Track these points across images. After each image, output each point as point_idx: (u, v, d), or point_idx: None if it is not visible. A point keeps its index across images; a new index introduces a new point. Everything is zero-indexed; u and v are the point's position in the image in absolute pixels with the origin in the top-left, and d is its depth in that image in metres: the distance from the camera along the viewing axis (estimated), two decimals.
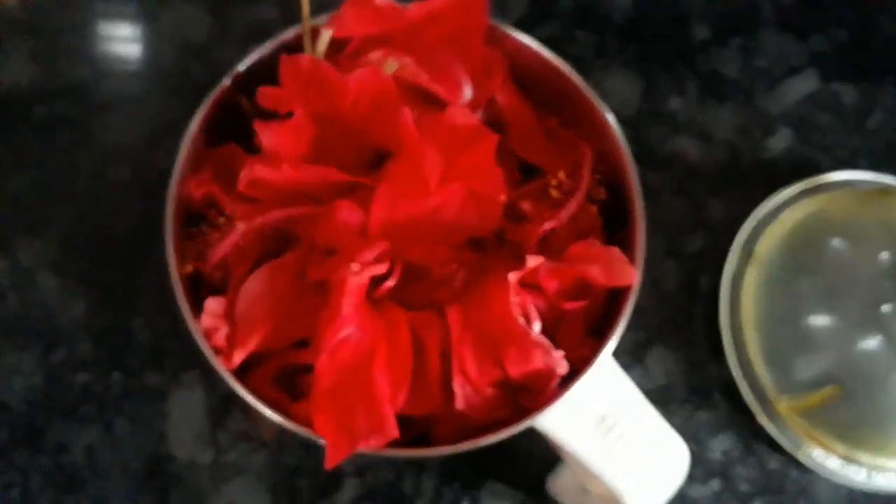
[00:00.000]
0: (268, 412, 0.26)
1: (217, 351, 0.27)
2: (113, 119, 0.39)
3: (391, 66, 0.29)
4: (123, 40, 0.41)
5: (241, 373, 0.27)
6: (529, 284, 0.26)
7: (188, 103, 0.39)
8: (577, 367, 0.26)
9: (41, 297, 0.36)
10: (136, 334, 0.36)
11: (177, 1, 0.41)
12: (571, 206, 0.29)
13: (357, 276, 0.25)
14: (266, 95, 0.28)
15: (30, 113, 0.39)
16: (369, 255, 0.26)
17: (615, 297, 0.28)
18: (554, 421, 0.24)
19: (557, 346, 0.26)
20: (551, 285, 0.26)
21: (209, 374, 0.35)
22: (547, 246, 0.28)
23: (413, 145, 0.26)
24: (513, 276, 0.26)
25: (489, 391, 0.26)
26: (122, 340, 0.36)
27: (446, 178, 0.26)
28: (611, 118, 0.30)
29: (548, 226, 0.28)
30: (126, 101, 0.39)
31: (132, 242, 0.37)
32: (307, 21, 0.30)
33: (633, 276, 0.27)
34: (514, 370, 0.25)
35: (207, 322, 0.27)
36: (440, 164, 0.26)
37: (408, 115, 0.26)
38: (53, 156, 0.38)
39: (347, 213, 0.27)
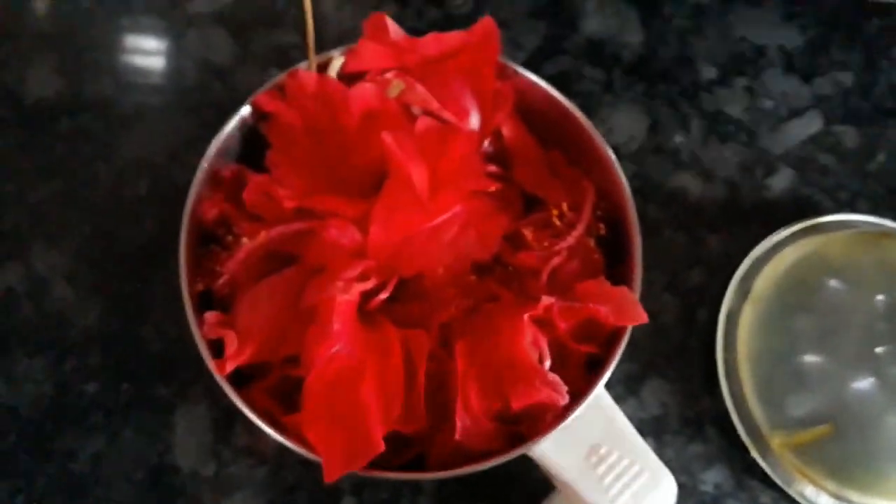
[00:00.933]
0: (264, 427, 0.27)
1: (216, 360, 0.27)
2: (134, 134, 0.40)
3: (397, 87, 0.30)
4: (147, 57, 0.42)
5: (243, 386, 0.28)
6: (540, 320, 0.27)
7: (208, 122, 0.40)
8: (573, 397, 0.26)
9: (55, 306, 0.37)
10: (147, 346, 0.37)
11: (202, 22, 0.42)
12: (572, 238, 0.30)
13: (345, 294, 0.26)
14: (263, 102, 0.29)
15: (55, 125, 0.40)
16: (352, 272, 0.26)
17: (611, 331, 0.29)
18: (548, 450, 0.25)
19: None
20: (563, 324, 0.27)
21: (215, 389, 0.36)
22: (553, 282, 0.29)
23: (398, 162, 0.27)
24: (527, 317, 0.26)
25: (488, 424, 0.26)
26: (133, 351, 0.37)
27: (436, 188, 0.27)
28: (612, 155, 0.31)
29: (554, 262, 0.29)
30: (148, 117, 0.40)
31: (146, 255, 0.38)
32: (311, 42, 0.30)
33: (643, 317, 0.28)
34: (518, 404, 0.26)
35: (210, 333, 0.28)
36: (426, 175, 0.27)
37: (387, 135, 0.27)
38: (75, 168, 0.39)
39: (337, 231, 0.28)
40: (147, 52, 0.42)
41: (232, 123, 0.30)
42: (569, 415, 0.26)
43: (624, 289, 0.29)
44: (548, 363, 0.27)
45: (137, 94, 0.41)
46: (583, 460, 0.25)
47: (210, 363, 0.28)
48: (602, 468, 0.26)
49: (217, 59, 0.42)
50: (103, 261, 0.38)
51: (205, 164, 0.29)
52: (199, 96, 0.41)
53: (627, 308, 0.28)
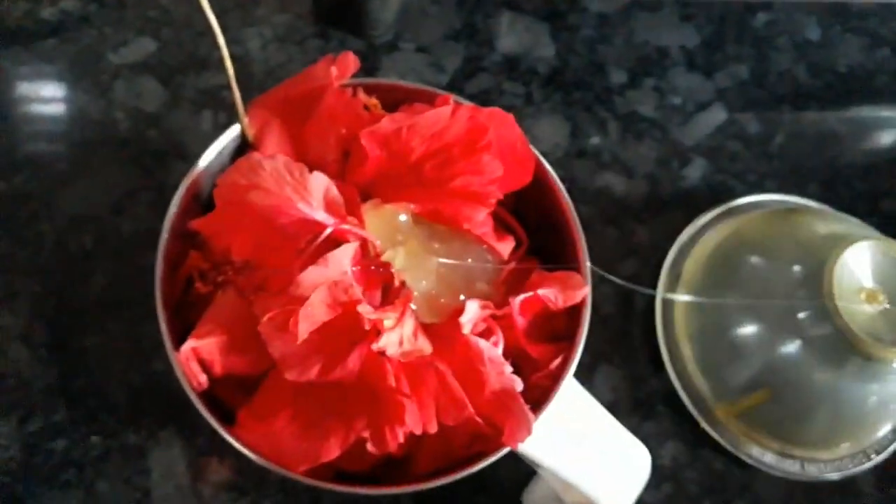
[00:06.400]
0: (250, 454, 0.28)
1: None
2: (73, 190, 0.40)
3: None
4: (79, 113, 0.42)
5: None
6: (497, 317, 0.29)
7: (148, 171, 0.41)
8: (546, 388, 0.28)
9: (13, 369, 0.37)
10: (112, 397, 0.37)
11: (128, 72, 0.43)
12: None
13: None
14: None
15: None
16: None
17: (573, 317, 0.31)
18: (531, 441, 0.26)
19: (522, 370, 0.28)
20: (523, 316, 0.29)
21: (186, 428, 0.37)
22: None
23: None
24: (465, 321, 0.27)
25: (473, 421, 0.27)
26: (99, 404, 0.37)
27: None
28: (547, 165, 0.33)
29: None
30: (86, 172, 0.41)
31: (101, 308, 0.38)
32: (234, 84, 0.31)
33: (583, 286, 0.30)
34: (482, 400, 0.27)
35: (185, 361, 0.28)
36: None
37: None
38: (16, 229, 0.39)
39: None
40: (77, 107, 0.42)
41: (186, 188, 0.30)
42: (545, 406, 0.27)
43: (562, 272, 0.30)
44: (500, 349, 0.28)
45: (72, 149, 0.41)
46: (564, 444, 0.27)
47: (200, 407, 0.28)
48: (581, 450, 0.27)
49: (148, 107, 0.42)
50: (57, 318, 0.38)
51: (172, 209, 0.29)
52: (135, 146, 0.41)
53: (569, 284, 0.30)
